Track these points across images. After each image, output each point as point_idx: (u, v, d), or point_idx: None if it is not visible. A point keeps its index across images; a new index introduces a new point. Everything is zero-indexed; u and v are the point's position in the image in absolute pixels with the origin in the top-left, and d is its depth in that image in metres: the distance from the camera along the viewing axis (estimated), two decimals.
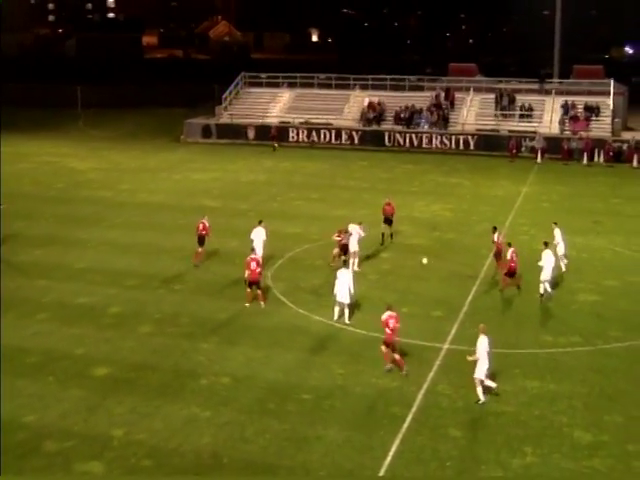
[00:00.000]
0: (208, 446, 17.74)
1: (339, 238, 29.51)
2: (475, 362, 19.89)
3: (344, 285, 24.50)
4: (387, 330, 21.27)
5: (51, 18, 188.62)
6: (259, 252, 28.27)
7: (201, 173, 50.16)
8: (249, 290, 26.15)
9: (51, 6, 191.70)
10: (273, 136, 60.58)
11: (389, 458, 17.36)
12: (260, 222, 30.03)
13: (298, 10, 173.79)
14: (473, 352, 20.03)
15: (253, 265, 25.85)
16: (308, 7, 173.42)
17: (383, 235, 33.71)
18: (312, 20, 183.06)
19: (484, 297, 27.47)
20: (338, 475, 16.92)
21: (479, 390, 19.73)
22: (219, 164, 53.57)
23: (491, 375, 20.18)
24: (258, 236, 29.46)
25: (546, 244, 27.50)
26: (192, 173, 50.16)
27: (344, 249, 29.36)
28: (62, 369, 21.42)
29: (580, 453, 17.61)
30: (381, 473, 16.94)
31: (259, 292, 26.16)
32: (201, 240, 30.28)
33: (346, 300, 24.64)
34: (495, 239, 29.17)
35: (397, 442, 17.93)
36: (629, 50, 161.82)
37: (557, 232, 29.79)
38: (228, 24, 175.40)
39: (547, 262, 26.80)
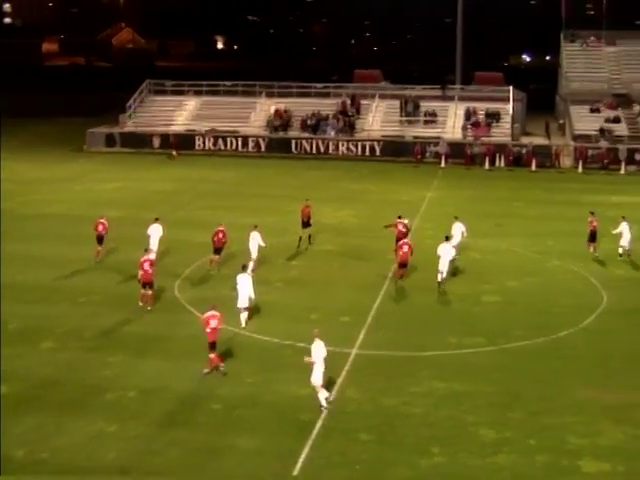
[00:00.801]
0: (115, 461, 17.45)
1: (217, 238, 30.42)
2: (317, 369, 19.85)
3: (244, 289, 24.79)
4: (207, 329, 21.61)
5: None
6: (154, 248, 30.34)
7: (105, 183, 49.30)
8: (143, 291, 26.57)
9: None
10: (171, 144, 60.21)
11: (299, 464, 17.44)
12: (156, 219, 31.98)
13: (203, 17, 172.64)
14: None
15: (146, 266, 26.44)
16: (213, 14, 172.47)
17: (300, 239, 34.07)
18: (217, 27, 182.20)
19: (391, 301, 27.92)
20: None
21: (320, 395, 19.81)
22: (124, 173, 52.78)
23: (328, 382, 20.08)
24: (154, 232, 31.35)
25: (447, 238, 29.59)
26: (95, 183, 49.24)
27: (218, 251, 30.50)
28: None
29: (485, 450, 18.09)
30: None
31: (150, 293, 26.65)
32: (100, 239, 31.73)
33: (245, 304, 24.95)
34: (396, 225, 31.12)
35: (307, 448, 18.03)
36: (527, 58, 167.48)
37: (456, 226, 31.34)
38: (132, 31, 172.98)
39: (444, 253, 28.70)
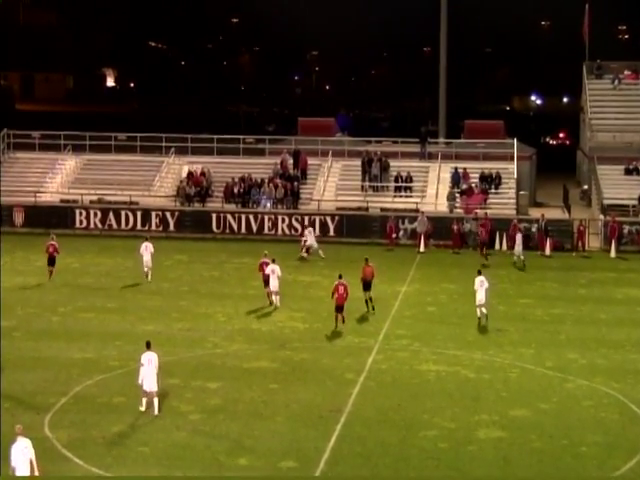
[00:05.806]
0: None
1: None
2: None
3: (150, 371, 28.54)
4: None
5: None
6: (149, 265, 47.30)
7: None
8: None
9: None
10: None
11: None
12: (146, 238, 47.85)
13: (85, 43, 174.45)
14: None
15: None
16: (101, 39, 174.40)
17: (367, 302, 42.47)
18: (106, 57, 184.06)
19: (350, 439, 27.96)
20: None
21: None
22: None
23: None
24: (147, 251, 46.90)
25: (479, 272, 40.74)
26: None
27: (267, 283, 43.18)
28: None
29: None
30: None
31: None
32: (51, 260, 47.19)
33: (154, 388, 28.71)
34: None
35: None
36: (537, 100, 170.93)
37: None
38: None
39: (480, 286, 39.58)
